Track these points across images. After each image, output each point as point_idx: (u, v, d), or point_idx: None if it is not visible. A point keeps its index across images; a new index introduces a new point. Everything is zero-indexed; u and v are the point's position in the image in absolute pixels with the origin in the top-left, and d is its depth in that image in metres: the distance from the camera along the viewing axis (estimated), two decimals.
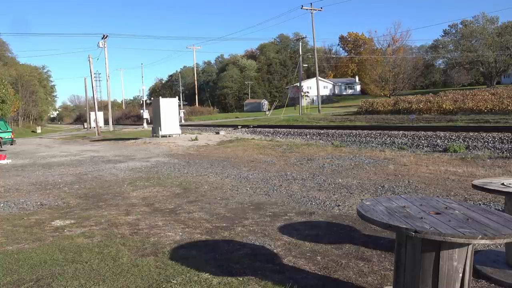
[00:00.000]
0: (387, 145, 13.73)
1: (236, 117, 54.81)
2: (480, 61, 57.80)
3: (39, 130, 55.19)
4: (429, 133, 15.24)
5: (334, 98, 78.07)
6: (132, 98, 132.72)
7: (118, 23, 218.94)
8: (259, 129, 25.71)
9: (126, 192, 7.15)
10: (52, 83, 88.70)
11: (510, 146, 10.92)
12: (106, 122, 51.75)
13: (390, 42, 65.52)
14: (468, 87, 53.98)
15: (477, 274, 3.22)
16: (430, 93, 36.67)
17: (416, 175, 7.72)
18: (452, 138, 13.27)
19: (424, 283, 2.24)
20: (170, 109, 21.10)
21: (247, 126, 28.61)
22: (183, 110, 52.36)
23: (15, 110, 50.54)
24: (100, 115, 48.41)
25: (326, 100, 72.52)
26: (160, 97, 21.90)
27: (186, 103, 76.08)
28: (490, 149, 10.88)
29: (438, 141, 13.18)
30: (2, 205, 6.42)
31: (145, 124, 39.29)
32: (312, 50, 45.73)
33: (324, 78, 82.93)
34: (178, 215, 5.44)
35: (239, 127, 28.97)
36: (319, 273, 3.39)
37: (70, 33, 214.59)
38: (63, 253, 3.94)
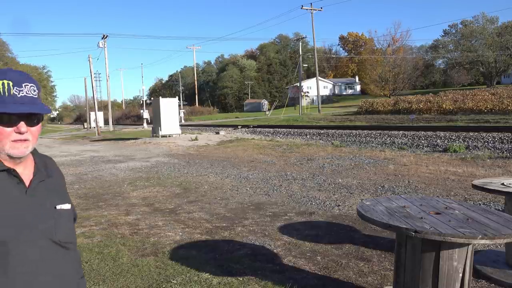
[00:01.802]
0: (387, 145, 13.73)
1: (236, 117, 54.79)
2: (480, 61, 57.75)
3: None
4: (429, 133, 15.24)
5: (334, 98, 78.04)
6: (132, 98, 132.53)
7: (118, 23, 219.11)
8: (259, 129, 25.71)
9: (126, 192, 7.15)
10: (52, 83, 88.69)
11: (510, 146, 10.92)
12: (106, 122, 51.72)
13: (390, 42, 65.49)
14: (468, 87, 53.94)
15: (477, 274, 3.22)
16: (430, 93, 36.63)
17: (416, 175, 7.73)
18: (452, 138, 13.27)
19: (424, 283, 2.24)
20: (170, 109, 21.09)
21: (247, 126, 28.61)
22: (183, 110, 52.31)
23: None
24: (100, 115, 48.38)
25: (326, 100, 72.49)
26: (160, 97, 21.89)
27: (186, 103, 76.03)
28: (490, 149, 10.88)
29: (438, 141, 13.19)
30: None
31: (145, 124, 39.26)
32: (312, 50, 45.74)
33: (324, 78, 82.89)
34: (178, 215, 5.44)
35: (239, 127, 28.96)
36: (319, 273, 3.39)
37: (70, 33, 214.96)
38: None
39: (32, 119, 1.11)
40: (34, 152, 1.23)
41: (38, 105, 1.10)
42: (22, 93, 1.08)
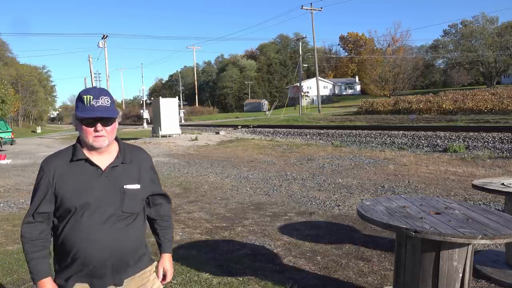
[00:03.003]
0: (387, 145, 13.73)
1: (236, 117, 54.78)
2: (480, 61, 57.70)
3: (39, 130, 55.12)
4: (429, 133, 15.24)
5: (334, 98, 78.00)
6: (132, 98, 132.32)
7: (118, 23, 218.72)
8: (259, 129, 25.70)
9: None
10: (52, 83, 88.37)
11: (510, 146, 10.92)
12: None
13: (390, 42, 65.40)
14: (468, 87, 53.90)
15: (477, 274, 3.22)
16: (430, 93, 36.59)
17: (416, 175, 7.73)
18: (452, 138, 13.27)
19: (424, 283, 2.24)
20: (170, 109, 21.09)
21: (247, 126, 28.60)
22: (183, 110, 52.21)
23: (15, 110, 50.49)
24: None
25: (326, 100, 72.46)
26: (160, 97, 21.90)
27: (186, 103, 75.96)
28: (490, 149, 10.88)
29: (438, 141, 13.18)
30: (2, 205, 6.42)
31: (145, 124, 39.25)
32: (312, 50, 45.72)
33: (324, 78, 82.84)
34: (178, 215, 5.44)
35: (239, 127, 28.95)
36: (319, 273, 3.39)
37: (70, 33, 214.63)
38: None
39: (107, 121, 1.54)
40: (120, 144, 1.66)
41: (109, 111, 1.53)
42: (98, 104, 1.51)
